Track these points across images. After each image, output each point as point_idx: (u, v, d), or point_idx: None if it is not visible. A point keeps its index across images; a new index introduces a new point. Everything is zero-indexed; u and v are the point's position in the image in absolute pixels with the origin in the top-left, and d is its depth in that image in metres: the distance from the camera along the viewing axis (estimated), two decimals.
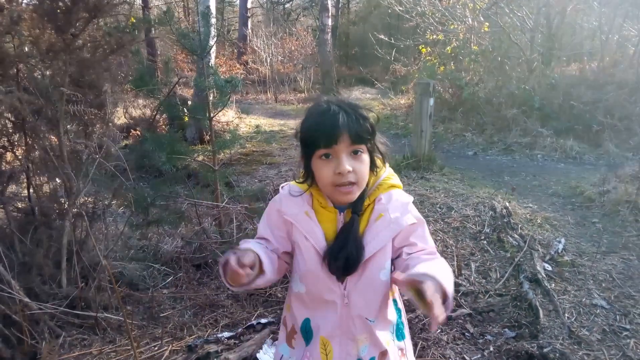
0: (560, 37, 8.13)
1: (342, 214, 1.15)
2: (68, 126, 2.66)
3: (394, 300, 1.23)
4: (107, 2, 2.08)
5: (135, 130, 6.05)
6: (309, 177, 1.16)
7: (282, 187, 1.23)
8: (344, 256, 1.09)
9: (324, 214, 1.16)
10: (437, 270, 0.96)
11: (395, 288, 1.22)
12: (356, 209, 1.14)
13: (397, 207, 1.14)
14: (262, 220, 1.24)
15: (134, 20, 2.41)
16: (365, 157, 1.11)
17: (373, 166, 1.16)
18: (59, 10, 2.15)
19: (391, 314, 1.20)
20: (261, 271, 1.07)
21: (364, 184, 1.13)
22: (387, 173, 1.20)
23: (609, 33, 7.54)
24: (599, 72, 7.22)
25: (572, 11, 7.93)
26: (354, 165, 1.08)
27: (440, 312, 0.86)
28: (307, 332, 1.20)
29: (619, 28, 7.77)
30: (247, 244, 1.13)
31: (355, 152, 1.09)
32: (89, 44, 2.35)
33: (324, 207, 1.16)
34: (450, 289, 0.94)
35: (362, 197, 1.14)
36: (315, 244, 1.13)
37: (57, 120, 2.35)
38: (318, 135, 1.07)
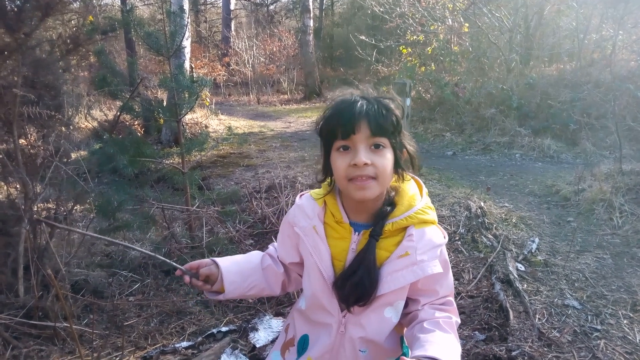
0: (539, 38, 8.19)
1: (357, 234, 1.05)
2: (30, 129, 2.57)
3: (402, 337, 1.15)
4: (59, 0, 1.99)
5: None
6: (328, 175, 1.08)
7: (299, 196, 1.15)
8: (354, 284, 1.00)
9: (337, 229, 1.07)
10: (446, 351, 0.92)
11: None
12: (375, 232, 1.02)
13: (426, 249, 1.02)
14: (280, 226, 1.21)
15: (92, 20, 2.32)
16: (388, 154, 0.99)
17: (398, 167, 1.03)
18: (9, 9, 2.06)
19: (395, 350, 1.12)
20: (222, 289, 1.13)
21: (386, 182, 1.01)
22: (424, 204, 1.06)
23: (587, 33, 7.60)
24: (576, 71, 7.28)
25: (551, 12, 8.00)
26: (374, 159, 0.96)
27: None
28: (302, 349, 1.14)
29: (597, 28, 7.85)
30: (238, 257, 1.21)
31: (377, 146, 0.97)
32: (43, 44, 2.26)
33: (338, 222, 1.06)
34: None
35: (383, 218, 1.03)
36: (319, 262, 1.05)
37: (10, 123, 2.26)
38: (335, 125, 0.98)
